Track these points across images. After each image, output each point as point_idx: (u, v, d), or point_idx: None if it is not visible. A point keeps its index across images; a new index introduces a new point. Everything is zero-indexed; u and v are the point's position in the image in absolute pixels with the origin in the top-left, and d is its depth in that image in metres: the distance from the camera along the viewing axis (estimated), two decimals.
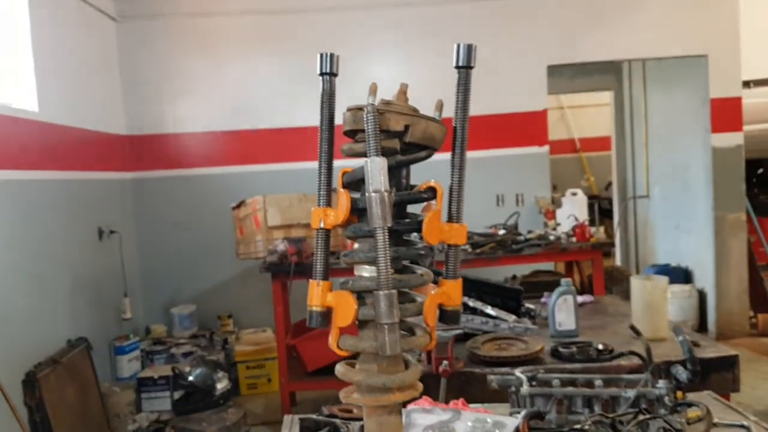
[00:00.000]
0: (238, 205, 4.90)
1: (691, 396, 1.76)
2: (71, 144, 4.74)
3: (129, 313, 5.16)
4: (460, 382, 2.42)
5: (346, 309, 1.09)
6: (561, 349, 2.54)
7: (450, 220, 1.12)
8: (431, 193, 1.11)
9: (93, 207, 4.99)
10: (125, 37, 5.83)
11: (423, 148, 1.10)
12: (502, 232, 4.99)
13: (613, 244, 5.65)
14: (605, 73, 8.03)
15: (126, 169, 5.81)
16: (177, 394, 4.32)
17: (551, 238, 4.83)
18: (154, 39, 5.89)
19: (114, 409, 4.45)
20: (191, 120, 5.96)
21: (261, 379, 5.27)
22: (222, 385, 3.94)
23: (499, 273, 5.40)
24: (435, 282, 1.16)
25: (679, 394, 1.72)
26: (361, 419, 1.73)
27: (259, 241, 4.69)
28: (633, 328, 2.23)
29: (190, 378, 3.91)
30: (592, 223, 5.54)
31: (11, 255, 3.75)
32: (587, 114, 10.63)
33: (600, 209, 9.71)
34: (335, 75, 1.11)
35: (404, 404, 1.27)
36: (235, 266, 5.70)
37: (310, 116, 5.79)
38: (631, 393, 1.67)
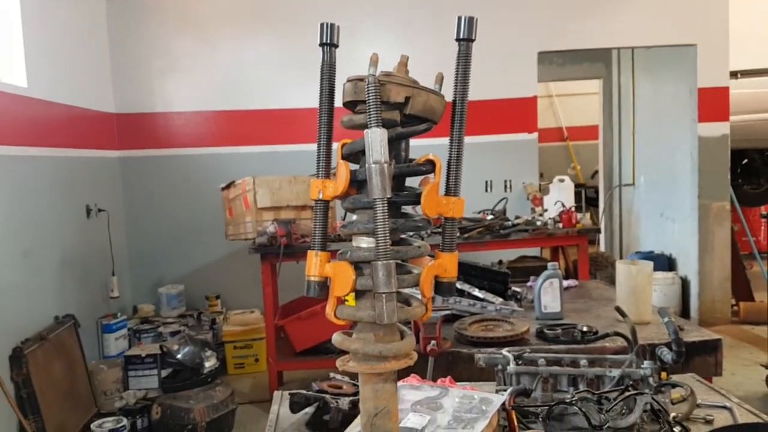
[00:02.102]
0: (228, 186, 4.89)
1: (675, 378, 1.80)
2: (60, 121, 4.70)
3: (117, 291, 5.15)
4: (447, 362, 2.45)
5: (344, 279, 1.10)
6: (546, 331, 2.59)
7: (448, 193, 1.13)
8: (430, 166, 1.12)
9: (81, 185, 4.96)
10: (115, 14, 5.77)
11: (423, 121, 1.11)
12: (490, 217, 5.03)
13: (599, 230, 5.71)
14: (595, 61, 8.07)
15: (114, 147, 5.77)
16: (165, 372, 4.33)
17: (538, 223, 4.88)
18: (145, 17, 5.83)
19: (101, 387, 4.46)
20: (181, 99, 5.93)
21: (248, 359, 5.30)
22: (210, 363, 3.94)
23: (486, 258, 5.43)
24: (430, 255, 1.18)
25: (663, 375, 1.76)
26: (350, 395, 1.76)
27: (249, 222, 4.69)
28: (618, 309, 2.27)
29: (179, 356, 3.91)
30: (578, 209, 5.59)
31: None
32: (575, 103, 10.68)
33: (586, 197, 9.79)
34: (336, 46, 1.11)
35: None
36: (224, 247, 5.70)
37: (301, 98, 5.79)
38: (616, 373, 1.70)
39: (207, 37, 5.90)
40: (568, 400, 1.49)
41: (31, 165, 4.18)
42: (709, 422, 1.64)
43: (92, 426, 3.70)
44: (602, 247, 8.11)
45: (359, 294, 1.14)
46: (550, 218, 4.90)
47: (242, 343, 5.29)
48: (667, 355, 1.81)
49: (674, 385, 1.73)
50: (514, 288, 3.27)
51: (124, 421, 3.77)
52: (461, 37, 1.07)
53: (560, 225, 4.82)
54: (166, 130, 5.92)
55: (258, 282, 4.63)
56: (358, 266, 1.13)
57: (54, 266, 4.40)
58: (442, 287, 1.14)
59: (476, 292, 3.04)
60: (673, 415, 1.57)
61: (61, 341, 4.18)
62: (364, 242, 1.12)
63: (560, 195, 5.31)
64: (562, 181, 5.47)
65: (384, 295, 1.06)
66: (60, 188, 4.58)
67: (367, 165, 1.06)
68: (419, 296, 1.17)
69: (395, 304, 1.07)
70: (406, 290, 1.16)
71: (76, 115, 5.01)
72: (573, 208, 4.99)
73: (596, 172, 9.05)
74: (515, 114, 6.08)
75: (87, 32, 5.40)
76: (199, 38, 5.90)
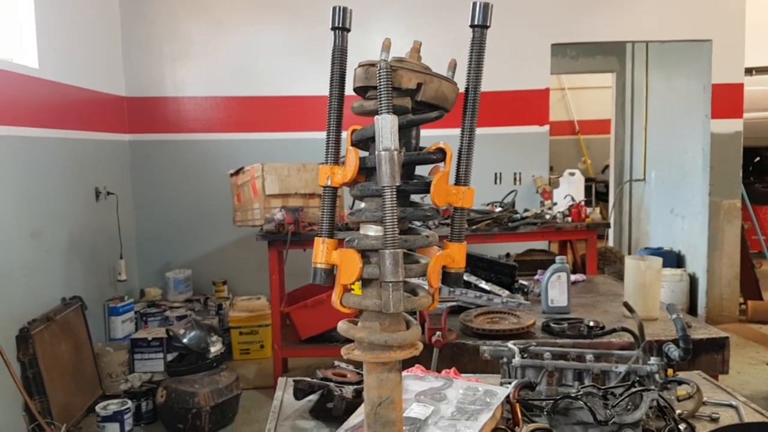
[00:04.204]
0: (237, 172, 4.89)
1: (681, 375, 1.78)
2: (70, 102, 4.70)
3: (124, 274, 5.17)
4: (452, 353, 2.45)
5: (350, 267, 1.09)
6: (552, 325, 2.57)
7: (458, 183, 1.12)
8: (440, 154, 1.11)
9: (90, 167, 4.97)
10: None
11: (434, 109, 1.10)
12: (498, 209, 5.00)
13: (608, 225, 5.67)
14: (608, 55, 8.02)
15: (124, 130, 5.78)
16: (170, 356, 4.35)
17: (547, 217, 4.85)
18: (157, 1, 5.82)
19: (107, 369, 4.48)
20: (191, 84, 5.92)
21: (254, 345, 5.32)
22: (216, 348, 3.96)
23: (494, 250, 5.41)
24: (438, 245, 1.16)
25: (670, 371, 1.74)
26: (354, 383, 1.75)
27: (257, 209, 4.68)
28: (626, 305, 2.26)
29: (185, 340, 3.92)
30: (588, 204, 5.56)
31: (9, 211, 3.74)
32: (587, 96, 10.61)
33: (596, 192, 9.75)
34: (348, 30, 1.10)
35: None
36: (232, 233, 5.70)
37: (312, 85, 5.76)
38: (622, 368, 1.69)
39: (218, 23, 5.89)
40: (573, 395, 1.48)
41: (42, 146, 4.18)
42: (714, 420, 1.63)
43: (97, 408, 3.73)
44: (611, 242, 8.07)
45: (366, 282, 1.13)
46: (559, 212, 4.87)
47: (248, 329, 5.31)
48: (674, 352, 1.80)
49: (680, 382, 1.72)
50: (521, 281, 3.26)
51: (129, 404, 3.79)
52: (476, 23, 1.05)
53: (569, 219, 4.79)
54: (176, 114, 5.91)
55: (265, 269, 4.64)
56: (365, 254, 1.11)
57: (62, 248, 4.42)
58: (449, 277, 1.13)
59: (483, 285, 3.03)
60: (678, 412, 1.55)
61: (68, 323, 4.20)
62: (372, 230, 1.11)
63: (570, 189, 5.27)
64: (572, 174, 5.43)
65: (390, 284, 1.05)
66: (70, 170, 4.59)
67: (376, 152, 1.04)
68: (426, 286, 1.16)
69: (402, 294, 1.06)
70: (413, 280, 1.15)
71: (87, 97, 5.01)
72: (583, 203, 4.96)
73: (607, 166, 8.99)
74: (527, 106, 6.04)
75: (99, 15, 5.40)
76: (210, 23, 5.89)
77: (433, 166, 1.13)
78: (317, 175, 5.01)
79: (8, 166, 3.77)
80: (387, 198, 1.03)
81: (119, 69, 5.74)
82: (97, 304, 4.87)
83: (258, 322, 5.32)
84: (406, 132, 1.11)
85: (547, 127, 6.13)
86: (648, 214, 7.46)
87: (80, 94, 4.87)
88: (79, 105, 4.85)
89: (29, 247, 3.96)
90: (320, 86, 5.65)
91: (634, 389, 1.48)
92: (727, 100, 5.90)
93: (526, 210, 5.03)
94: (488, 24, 1.05)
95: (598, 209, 5.45)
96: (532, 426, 1.49)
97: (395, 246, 1.04)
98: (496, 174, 6.04)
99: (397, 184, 1.04)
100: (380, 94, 1.03)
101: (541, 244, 6.11)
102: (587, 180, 7.67)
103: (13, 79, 3.86)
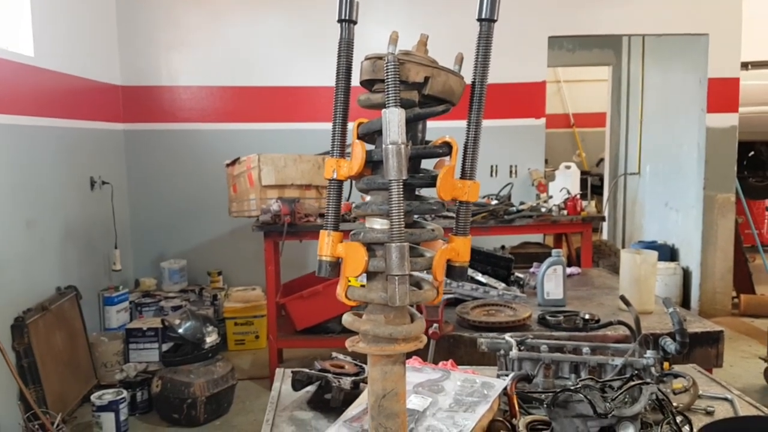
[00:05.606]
0: (233, 163, 4.87)
1: (676, 368, 1.80)
2: (65, 91, 4.67)
3: (119, 264, 5.15)
4: (449, 345, 2.46)
5: (356, 260, 1.09)
6: (548, 318, 2.59)
7: (463, 176, 1.12)
8: (446, 148, 1.11)
9: (85, 156, 4.94)
10: None
11: (441, 102, 1.10)
12: (494, 202, 5.01)
13: (603, 218, 5.67)
14: (605, 48, 8.01)
15: (119, 119, 5.75)
16: (165, 346, 4.35)
17: (543, 210, 4.86)
18: None
19: (101, 359, 4.48)
20: (188, 73, 5.88)
21: (249, 335, 5.33)
22: (211, 338, 3.96)
23: (489, 243, 5.43)
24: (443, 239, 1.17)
25: (666, 365, 1.76)
26: (352, 375, 1.76)
27: (253, 199, 4.68)
28: (623, 298, 2.27)
29: (180, 331, 3.92)
30: (583, 197, 5.57)
31: (3, 200, 3.72)
32: (583, 89, 10.61)
33: (590, 185, 9.76)
34: (355, 22, 1.09)
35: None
36: (228, 224, 5.69)
37: (309, 76, 5.73)
38: (618, 361, 1.70)
39: (214, 11, 5.84)
40: (572, 387, 1.49)
41: (36, 135, 4.16)
42: (710, 413, 1.64)
43: (92, 397, 3.73)
44: (605, 236, 8.10)
45: (371, 275, 1.13)
46: (554, 205, 4.88)
47: (243, 319, 5.32)
48: (670, 346, 1.81)
49: (676, 376, 1.73)
50: (517, 274, 3.27)
51: (124, 393, 3.79)
52: (483, 16, 1.05)
53: (565, 212, 4.80)
54: (172, 104, 5.88)
55: (260, 259, 4.63)
56: (370, 248, 1.12)
57: (57, 237, 4.40)
58: (454, 271, 1.14)
59: (479, 277, 3.04)
60: (674, 405, 1.57)
61: (63, 312, 4.20)
62: (378, 223, 1.11)
63: (566, 182, 5.28)
64: (568, 167, 5.43)
65: (396, 278, 1.05)
66: (64, 159, 4.57)
67: (383, 145, 1.04)
68: (429, 279, 1.16)
69: (407, 287, 1.06)
70: (416, 273, 1.15)
71: (82, 86, 4.98)
72: (579, 196, 4.97)
73: (601, 159, 9.01)
74: (523, 98, 6.03)
75: (95, 3, 5.36)
76: (206, 12, 5.85)
77: (438, 159, 1.13)
78: (314, 166, 4.99)
79: (2, 154, 3.74)
80: (394, 191, 1.03)
81: (114, 57, 5.70)
82: (92, 293, 4.86)
83: (253, 312, 5.32)
84: (413, 125, 1.11)
85: (543, 120, 6.13)
86: (642, 207, 7.49)
87: (75, 82, 4.84)
88: (74, 93, 4.82)
89: (24, 237, 3.95)
90: (317, 77, 5.64)
91: (633, 383, 1.49)
92: (722, 94, 5.91)
93: (521, 203, 5.03)
94: (495, 18, 1.05)
95: (593, 203, 5.46)
96: (529, 418, 1.50)
97: (402, 239, 1.05)
98: (491, 166, 6.03)
99: (404, 177, 1.04)
100: (388, 88, 1.02)
101: (536, 237, 6.13)
102: (582, 173, 7.68)
103: (7, 67, 3.83)
